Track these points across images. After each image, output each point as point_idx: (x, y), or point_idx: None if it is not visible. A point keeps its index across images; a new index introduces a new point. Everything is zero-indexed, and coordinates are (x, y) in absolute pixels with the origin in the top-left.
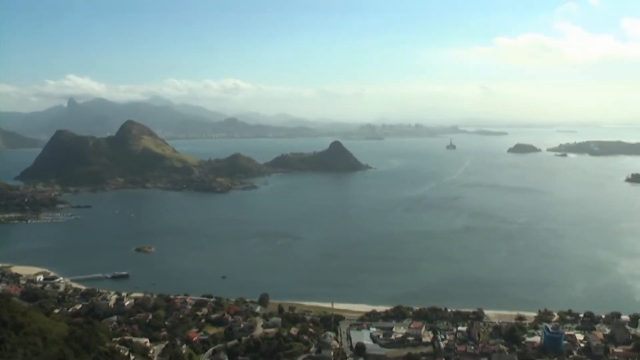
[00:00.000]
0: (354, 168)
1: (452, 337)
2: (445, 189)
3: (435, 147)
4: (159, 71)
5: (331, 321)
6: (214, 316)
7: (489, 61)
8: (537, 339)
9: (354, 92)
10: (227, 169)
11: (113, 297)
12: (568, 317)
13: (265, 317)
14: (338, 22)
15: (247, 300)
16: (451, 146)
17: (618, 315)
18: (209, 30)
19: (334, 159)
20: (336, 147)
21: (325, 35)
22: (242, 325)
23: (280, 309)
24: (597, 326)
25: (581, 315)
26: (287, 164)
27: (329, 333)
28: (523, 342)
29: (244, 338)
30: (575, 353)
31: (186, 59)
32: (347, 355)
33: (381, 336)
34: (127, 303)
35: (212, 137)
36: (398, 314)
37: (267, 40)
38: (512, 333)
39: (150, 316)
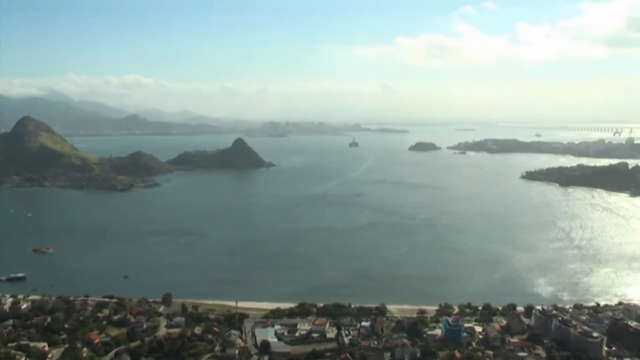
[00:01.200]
0: (257, 165)
1: (355, 332)
2: (348, 186)
3: (339, 145)
4: (58, 65)
5: (235, 319)
6: (115, 317)
7: (391, 60)
8: (438, 332)
9: (257, 89)
10: (128, 167)
11: (8, 301)
12: (467, 310)
13: (169, 316)
14: (239, 18)
15: (150, 300)
16: (354, 144)
17: (514, 306)
18: (110, 24)
19: (237, 157)
20: (239, 144)
21: (227, 30)
22: (144, 326)
23: (184, 308)
24: (495, 318)
25: (480, 308)
26: (190, 161)
27: (233, 331)
28: (425, 336)
29: (147, 339)
30: (474, 344)
31: (86, 54)
32: (252, 353)
33: (286, 333)
34: (23, 306)
35: (113, 134)
36: (302, 311)
37: (169, 35)
38: (414, 327)
39: (49, 319)
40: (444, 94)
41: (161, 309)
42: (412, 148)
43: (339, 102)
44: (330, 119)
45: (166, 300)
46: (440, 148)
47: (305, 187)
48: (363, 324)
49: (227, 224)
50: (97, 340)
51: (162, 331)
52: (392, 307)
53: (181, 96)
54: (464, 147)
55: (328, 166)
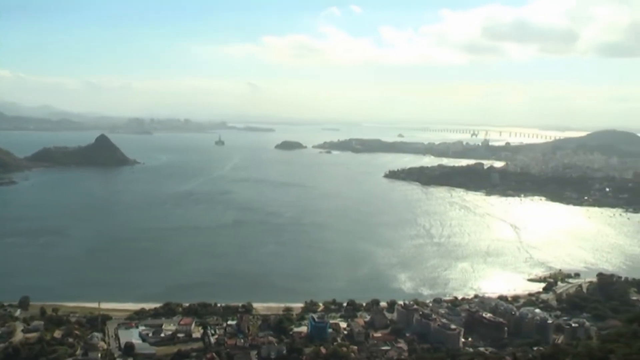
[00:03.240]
0: (121, 163)
1: (222, 331)
2: (214, 184)
3: (204, 143)
4: None
5: (98, 322)
6: None
7: (258, 59)
8: (304, 329)
9: (121, 85)
10: None
11: None
12: (332, 307)
13: (26, 321)
14: (104, 12)
15: (5, 304)
16: (220, 142)
17: (377, 302)
18: None
19: (100, 154)
20: (102, 141)
21: (91, 24)
22: None
23: (43, 311)
24: (359, 313)
25: (344, 304)
26: (50, 158)
27: (95, 334)
28: (291, 333)
29: (1, 345)
30: (339, 340)
31: None
32: (116, 355)
33: (150, 334)
34: None
35: None
36: (167, 311)
37: (28, 26)
38: (280, 324)
39: None
40: (311, 93)
41: (17, 313)
42: (278, 146)
43: (205, 100)
44: (196, 117)
45: (23, 303)
46: (306, 147)
47: (171, 185)
48: (229, 322)
49: (90, 223)
50: None
51: (19, 336)
52: (258, 305)
53: (42, 90)
54: (329, 147)
55: (194, 164)
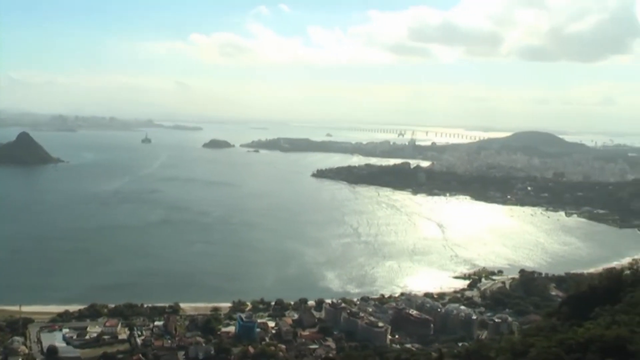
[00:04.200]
0: (45, 161)
1: (148, 332)
2: (141, 183)
3: (131, 141)
4: None
5: (19, 325)
6: None
7: (186, 57)
8: (231, 328)
9: (44, 81)
10: None
11: None
12: (260, 306)
13: None
14: (26, 6)
15: None
16: (147, 140)
17: (305, 301)
18: None
19: (21, 152)
20: (24, 138)
21: (13, 18)
22: None
23: None
24: (287, 312)
25: (272, 303)
26: None
27: (16, 338)
28: (219, 333)
29: None
30: (267, 339)
31: None
32: (38, 359)
33: (75, 337)
34: None
35: None
36: (92, 313)
37: None
38: (207, 325)
39: None
40: (240, 92)
41: None
42: (206, 145)
43: (132, 98)
44: (122, 115)
45: None
46: (234, 146)
47: (97, 184)
48: (156, 323)
49: (11, 224)
50: None
51: None
52: (185, 306)
53: None
54: (257, 146)
55: (120, 162)
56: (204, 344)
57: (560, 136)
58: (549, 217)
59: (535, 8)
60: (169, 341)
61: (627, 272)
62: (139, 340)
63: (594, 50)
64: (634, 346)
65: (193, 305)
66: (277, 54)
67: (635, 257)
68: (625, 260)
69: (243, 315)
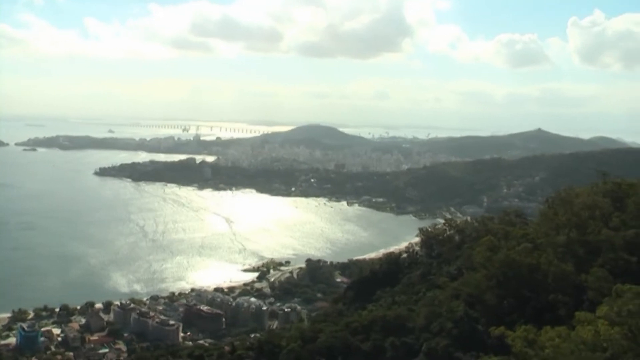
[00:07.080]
0: None
1: None
2: None
3: None
4: None
5: None
6: None
7: None
8: (12, 340)
9: None
10: None
11: None
12: (44, 313)
13: None
14: None
15: None
16: None
17: (92, 304)
18: None
19: None
20: None
21: None
22: None
23: None
24: (74, 318)
25: (57, 310)
26: None
27: None
28: None
29: None
30: (53, 348)
31: None
32: None
33: None
34: None
35: None
36: None
37: None
38: None
39: None
40: (13, 87)
41: None
42: None
43: None
44: None
45: None
46: (8, 144)
47: None
48: None
49: None
50: None
51: None
52: None
53: None
54: (34, 144)
55: None
56: None
57: (341, 129)
58: (332, 207)
59: (313, 6)
60: None
61: (404, 255)
62: None
63: (368, 48)
64: (411, 322)
65: None
66: (52, 47)
67: (411, 241)
68: (403, 245)
69: (24, 325)
